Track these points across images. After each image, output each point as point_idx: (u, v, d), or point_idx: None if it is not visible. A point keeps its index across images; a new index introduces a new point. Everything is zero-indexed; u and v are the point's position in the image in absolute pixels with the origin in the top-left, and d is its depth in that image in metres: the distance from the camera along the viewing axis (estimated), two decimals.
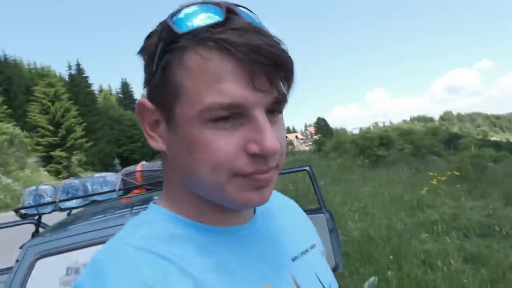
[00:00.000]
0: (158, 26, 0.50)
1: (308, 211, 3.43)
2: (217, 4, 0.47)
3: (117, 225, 1.63)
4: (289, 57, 0.47)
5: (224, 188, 0.48)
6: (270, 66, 0.44)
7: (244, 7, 0.49)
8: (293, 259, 0.59)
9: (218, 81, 0.44)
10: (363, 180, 11.20)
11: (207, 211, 0.54)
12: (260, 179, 0.48)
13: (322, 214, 3.04)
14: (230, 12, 0.46)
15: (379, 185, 10.08)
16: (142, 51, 0.52)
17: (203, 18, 0.45)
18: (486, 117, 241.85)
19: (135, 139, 45.80)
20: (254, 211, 0.61)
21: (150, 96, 0.51)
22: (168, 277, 0.45)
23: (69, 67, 46.05)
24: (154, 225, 0.52)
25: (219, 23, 0.45)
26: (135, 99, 57.08)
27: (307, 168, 3.23)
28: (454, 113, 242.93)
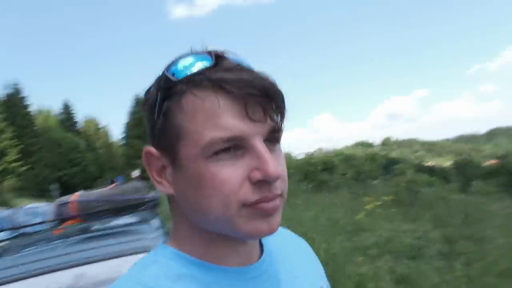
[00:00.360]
0: (156, 80, 0.53)
1: None
2: (206, 52, 0.51)
3: (47, 258, 1.59)
4: (279, 89, 0.50)
5: (233, 221, 0.49)
6: (262, 98, 0.48)
7: (231, 52, 0.52)
8: None
9: (215, 117, 0.47)
10: (307, 204, 11.54)
11: (215, 249, 0.55)
12: (266, 208, 0.49)
13: None
14: (219, 57, 0.50)
15: (322, 209, 10.37)
16: (143, 105, 0.55)
17: (195, 65, 0.49)
18: (422, 143, 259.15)
19: (75, 163, 43.91)
20: (262, 251, 0.62)
21: (155, 143, 0.54)
22: None
23: (6, 86, 43.43)
24: (162, 264, 0.53)
25: (210, 67, 0.49)
26: (76, 121, 55.02)
27: None
28: (394, 138, 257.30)
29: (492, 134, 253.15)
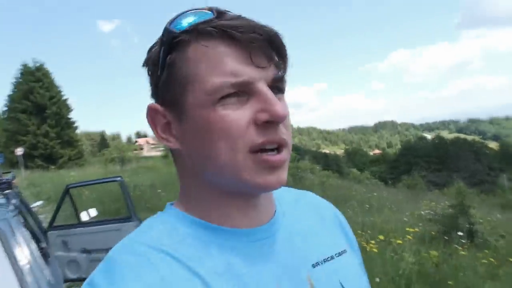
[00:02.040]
0: (159, 38, 0.53)
1: (118, 220, 3.75)
2: (207, 8, 0.51)
3: None
4: (282, 38, 0.50)
5: (241, 169, 0.49)
6: (266, 43, 0.48)
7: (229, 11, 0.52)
8: (314, 265, 0.57)
9: (221, 63, 0.48)
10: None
11: (223, 209, 0.54)
12: (272, 160, 0.49)
13: (132, 222, 3.46)
14: (220, 11, 0.51)
15: None
16: (146, 62, 0.55)
17: (197, 17, 0.50)
18: (320, 131, 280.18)
19: None
20: (275, 212, 0.59)
21: (159, 99, 0.54)
22: (176, 276, 0.47)
23: None
24: (167, 224, 0.54)
25: (212, 18, 0.49)
26: None
27: (118, 178, 3.52)
28: (295, 126, 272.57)
29: (378, 127, 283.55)
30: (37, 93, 34.67)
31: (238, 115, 0.48)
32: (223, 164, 0.49)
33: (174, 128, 0.53)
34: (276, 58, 0.50)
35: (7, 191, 2.55)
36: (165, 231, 0.52)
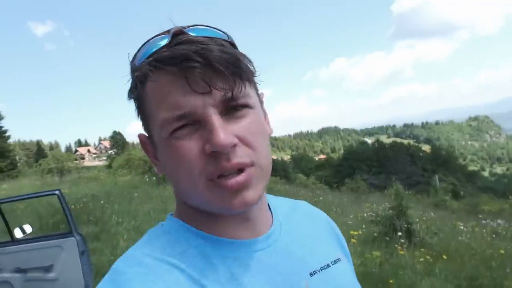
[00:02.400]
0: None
1: (58, 235, 3.47)
2: (168, 31, 0.50)
3: None
4: (228, 54, 0.47)
5: (204, 196, 0.50)
6: (203, 68, 0.46)
7: (202, 25, 0.51)
8: (311, 274, 0.58)
9: (165, 97, 0.48)
10: (148, 198, 11.08)
11: (215, 223, 0.55)
12: (227, 184, 0.48)
13: (73, 237, 3.25)
14: (177, 34, 0.49)
15: (161, 202, 10.18)
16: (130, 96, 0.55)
17: (151, 47, 0.50)
18: None
19: None
20: (272, 223, 0.61)
21: (144, 129, 0.56)
22: (182, 286, 0.48)
23: None
24: (171, 236, 0.54)
25: (162, 47, 0.48)
26: None
27: (57, 192, 3.31)
28: None
29: (322, 133, 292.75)
30: None
31: (188, 147, 0.49)
32: (188, 191, 0.52)
33: (157, 155, 0.56)
34: (221, 80, 0.48)
35: None
36: (169, 243, 0.54)
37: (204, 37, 0.49)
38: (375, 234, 6.35)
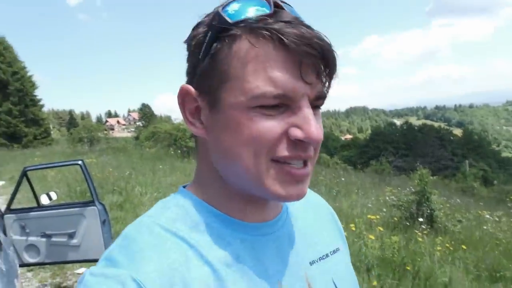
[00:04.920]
0: (207, 17, 0.51)
1: (80, 204, 3.70)
2: None
3: None
4: (335, 52, 0.47)
5: (262, 177, 0.48)
6: (319, 59, 0.46)
7: (287, 4, 0.50)
8: (311, 263, 0.58)
9: (269, 69, 0.45)
10: (172, 170, 11.29)
11: (235, 202, 0.54)
12: (295, 173, 0.48)
13: (94, 207, 3.37)
14: (277, 6, 0.47)
15: (185, 175, 10.41)
16: (189, 40, 0.53)
17: (253, 10, 0.47)
18: None
19: None
20: (281, 208, 0.61)
21: (194, 82, 0.52)
22: (188, 261, 0.48)
23: None
24: (181, 209, 0.54)
25: (268, 15, 0.46)
26: None
27: (79, 162, 3.41)
28: None
29: (350, 112, 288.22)
30: None
31: (270, 126, 0.47)
32: (244, 168, 0.49)
33: (204, 115, 0.52)
34: (325, 76, 0.48)
35: None
36: (179, 215, 0.53)
37: (298, 18, 0.48)
38: (395, 219, 6.26)
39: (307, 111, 0.47)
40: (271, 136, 0.47)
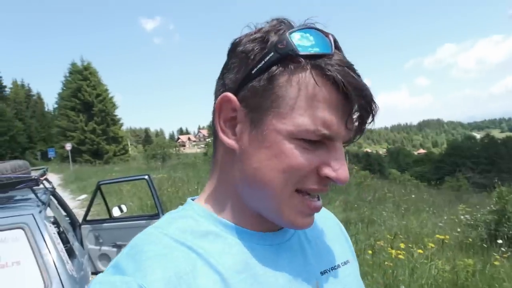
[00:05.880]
0: (269, 35, 0.50)
1: (147, 216, 3.95)
2: (326, 34, 0.49)
3: None
4: (375, 104, 0.49)
5: (283, 204, 0.51)
6: (365, 110, 0.48)
7: (330, 34, 0.50)
8: (322, 273, 0.58)
9: (324, 109, 0.47)
10: None
11: (244, 214, 0.55)
12: (315, 206, 0.52)
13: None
14: (335, 44, 0.49)
15: None
16: (240, 47, 0.52)
17: (320, 44, 0.48)
18: None
19: (1, 132, 39.40)
20: None
21: (240, 94, 0.51)
22: (196, 270, 0.48)
23: None
24: (189, 219, 0.54)
25: (329, 54, 0.48)
26: (4, 86, 49.48)
27: (146, 177, 3.56)
28: None
29: (423, 125, 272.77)
30: (85, 91, 36.45)
31: (308, 160, 0.49)
32: (271, 193, 0.51)
33: (240, 127, 0.52)
34: (363, 125, 0.51)
35: (35, 187, 2.67)
36: (187, 226, 0.53)
37: (350, 63, 0.49)
38: (470, 240, 5.75)
39: (341, 152, 0.50)
40: (307, 169, 0.49)
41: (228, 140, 0.53)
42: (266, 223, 0.56)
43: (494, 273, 4.23)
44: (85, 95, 36.38)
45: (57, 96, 40.18)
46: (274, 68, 0.49)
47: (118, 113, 41.35)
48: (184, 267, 0.48)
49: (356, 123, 0.50)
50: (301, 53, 0.47)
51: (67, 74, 38.37)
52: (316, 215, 0.67)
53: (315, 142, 0.49)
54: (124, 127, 45.70)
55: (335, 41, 0.50)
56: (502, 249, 5.14)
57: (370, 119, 0.50)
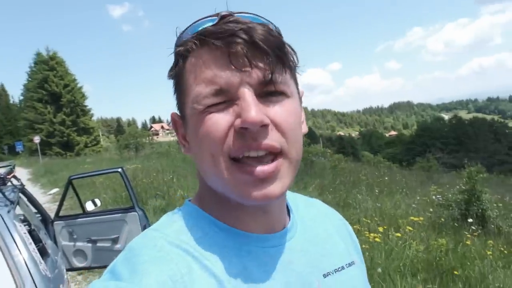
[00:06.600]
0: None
1: (122, 210, 3.76)
2: (217, 14, 0.49)
3: None
4: (274, 37, 0.47)
5: (223, 177, 0.48)
6: (247, 45, 0.45)
7: (251, 13, 0.50)
8: (325, 275, 0.57)
9: (203, 72, 0.48)
10: None
11: (231, 211, 0.53)
12: (254, 172, 0.46)
13: (135, 212, 3.47)
14: (226, 16, 0.48)
15: None
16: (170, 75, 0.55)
17: (201, 26, 0.49)
18: (334, 113, 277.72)
19: None
20: (289, 219, 0.60)
21: (177, 108, 0.55)
22: (192, 273, 0.47)
23: None
24: (187, 221, 0.54)
25: (208, 27, 0.48)
26: None
27: (119, 170, 3.47)
28: (309, 109, 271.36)
29: (394, 108, 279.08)
30: (52, 82, 35.13)
31: (218, 120, 0.47)
32: (208, 171, 0.51)
33: (186, 135, 0.55)
34: (264, 61, 0.47)
35: (2, 186, 2.58)
36: (184, 228, 0.53)
37: (251, 21, 0.48)
38: (442, 219, 5.95)
39: (246, 97, 0.46)
40: (219, 129, 0.47)
41: (185, 151, 0.57)
42: (259, 223, 0.54)
43: (466, 251, 4.39)
44: (52, 85, 34.99)
45: (22, 88, 38.57)
46: (178, 68, 0.52)
47: (88, 103, 40.06)
48: (179, 270, 0.47)
49: (247, 61, 0.46)
50: (184, 40, 0.50)
51: (32, 65, 36.79)
52: (319, 213, 0.67)
53: (224, 103, 0.48)
54: (94, 118, 44.55)
55: (224, 15, 0.48)
56: (473, 227, 5.34)
57: (260, 50, 0.46)
